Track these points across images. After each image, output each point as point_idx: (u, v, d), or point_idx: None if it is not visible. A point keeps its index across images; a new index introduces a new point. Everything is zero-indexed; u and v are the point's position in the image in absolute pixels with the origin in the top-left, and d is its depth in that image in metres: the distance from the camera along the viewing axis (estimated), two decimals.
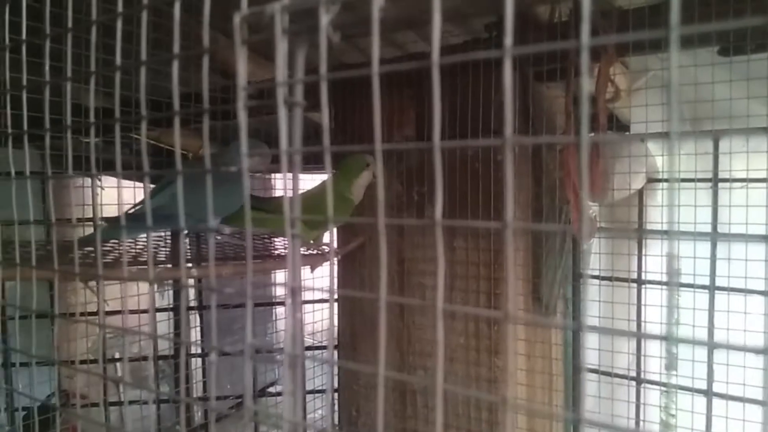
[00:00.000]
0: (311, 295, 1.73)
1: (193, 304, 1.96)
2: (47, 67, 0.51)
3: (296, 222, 0.29)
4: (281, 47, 0.28)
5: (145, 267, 1.13)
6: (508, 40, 0.24)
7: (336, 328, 1.63)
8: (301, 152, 0.28)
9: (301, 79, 0.28)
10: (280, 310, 2.20)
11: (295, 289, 0.29)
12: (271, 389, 2.18)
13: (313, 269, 1.42)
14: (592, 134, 1.25)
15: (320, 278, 1.62)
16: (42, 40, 0.50)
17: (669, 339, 0.30)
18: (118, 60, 0.42)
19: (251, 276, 0.30)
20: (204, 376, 1.94)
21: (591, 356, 1.35)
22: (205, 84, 0.33)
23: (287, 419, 0.28)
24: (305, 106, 0.30)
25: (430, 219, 0.25)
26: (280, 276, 2.09)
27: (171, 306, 2.04)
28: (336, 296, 1.59)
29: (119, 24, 0.40)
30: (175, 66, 0.34)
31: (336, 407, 1.62)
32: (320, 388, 1.66)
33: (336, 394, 1.62)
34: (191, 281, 1.93)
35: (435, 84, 0.24)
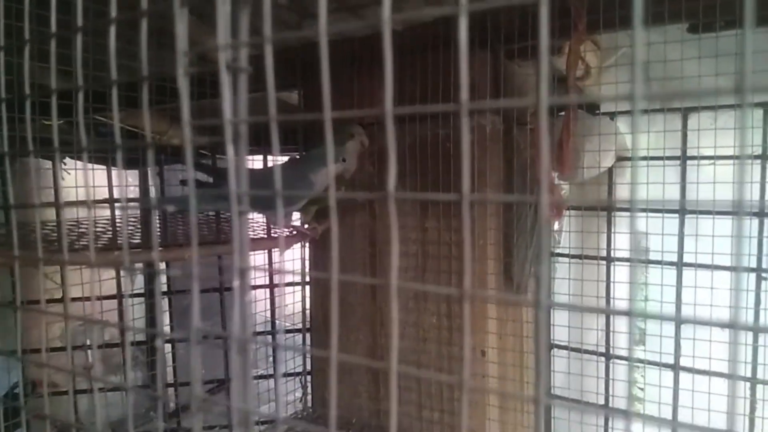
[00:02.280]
0: (282, 278, 1.70)
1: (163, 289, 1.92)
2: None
3: (243, 198, 0.27)
4: (222, 8, 0.26)
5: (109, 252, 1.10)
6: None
7: (308, 312, 1.62)
8: (246, 122, 0.26)
9: (244, 42, 0.26)
10: (253, 293, 2.17)
11: (243, 271, 0.27)
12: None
13: (282, 251, 1.40)
14: (562, 113, 1.24)
15: (291, 261, 1.61)
16: None
17: (636, 315, 0.30)
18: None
19: (196, 256, 0.29)
20: (174, 361, 1.91)
21: (561, 333, 1.36)
22: (143, 50, 0.31)
23: (236, 407, 0.27)
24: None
25: (383, 192, 0.23)
26: (258, 259, 2.03)
27: (136, 292, 1.99)
28: (308, 278, 1.57)
29: None
30: (112, 32, 0.31)
31: (309, 390, 1.62)
32: (292, 371, 1.65)
33: (309, 377, 1.62)
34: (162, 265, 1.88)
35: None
